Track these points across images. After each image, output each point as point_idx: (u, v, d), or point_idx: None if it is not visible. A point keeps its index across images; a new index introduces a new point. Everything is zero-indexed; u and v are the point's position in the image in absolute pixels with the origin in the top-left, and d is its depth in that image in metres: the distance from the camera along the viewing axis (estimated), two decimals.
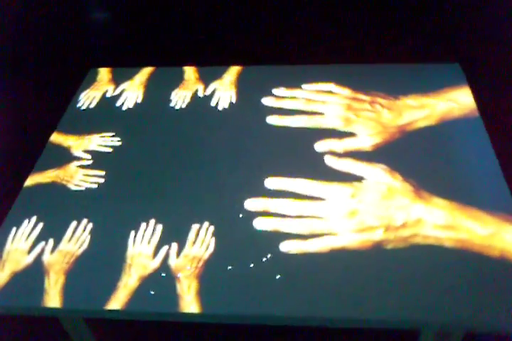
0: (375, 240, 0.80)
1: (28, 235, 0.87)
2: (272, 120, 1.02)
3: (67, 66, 2.29)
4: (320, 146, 0.96)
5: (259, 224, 0.84)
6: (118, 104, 1.11)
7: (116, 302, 0.76)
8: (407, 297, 0.73)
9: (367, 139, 0.96)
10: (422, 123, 0.98)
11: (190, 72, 1.17)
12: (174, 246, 0.82)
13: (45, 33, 2.54)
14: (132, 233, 0.85)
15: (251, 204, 0.87)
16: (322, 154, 0.94)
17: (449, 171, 0.90)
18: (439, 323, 0.70)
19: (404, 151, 0.94)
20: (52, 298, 0.77)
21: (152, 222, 0.86)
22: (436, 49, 2.14)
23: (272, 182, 0.90)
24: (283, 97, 1.08)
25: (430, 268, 0.76)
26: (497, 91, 1.88)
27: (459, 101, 1.02)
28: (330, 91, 1.07)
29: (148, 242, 0.83)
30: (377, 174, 0.89)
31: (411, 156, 0.93)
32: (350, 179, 0.89)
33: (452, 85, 1.06)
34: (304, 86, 1.10)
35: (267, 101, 1.07)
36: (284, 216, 0.84)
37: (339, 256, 0.78)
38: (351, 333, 1.24)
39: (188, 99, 1.10)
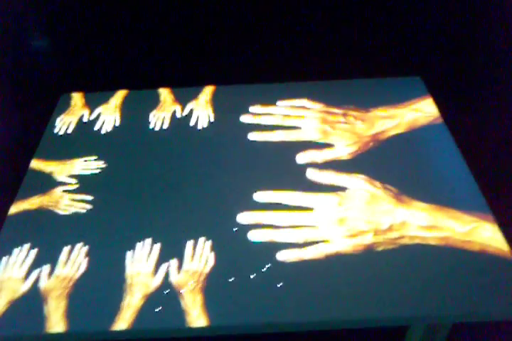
0: (366, 244, 0.84)
1: (22, 263, 0.86)
2: (253, 136, 1.06)
3: (26, 94, 2.26)
4: (301, 158, 1.00)
5: (254, 236, 0.87)
6: (96, 127, 1.11)
7: (123, 322, 0.76)
8: (400, 294, 0.78)
9: (344, 149, 1.02)
10: (392, 132, 1.05)
11: (165, 93, 1.19)
12: (173, 262, 0.84)
13: None
14: (129, 253, 0.86)
15: (243, 218, 0.90)
16: (304, 166, 0.99)
17: (422, 175, 0.96)
18: (429, 317, 0.75)
19: (380, 158, 1.00)
20: (55, 324, 0.77)
21: (147, 240, 0.87)
22: (399, 64, 2.30)
23: (260, 196, 0.93)
24: (260, 114, 1.12)
25: (419, 265, 0.81)
26: (456, 100, 2.07)
27: (423, 110, 1.10)
28: (304, 107, 1.13)
29: (147, 260, 0.84)
30: (358, 183, 0.95)
31: (386, 162, 0.99)
32: (334, 188, 0.94)
33: (416, 96, 1.14)
34: (278, 103, 1.14)
35: (244, 118, 1.11)
36: (276, 227, 0.88)
37: (334, 261, 0.82)
38: (342, 331, 1.28)
39: (166, 121, 1.12)
